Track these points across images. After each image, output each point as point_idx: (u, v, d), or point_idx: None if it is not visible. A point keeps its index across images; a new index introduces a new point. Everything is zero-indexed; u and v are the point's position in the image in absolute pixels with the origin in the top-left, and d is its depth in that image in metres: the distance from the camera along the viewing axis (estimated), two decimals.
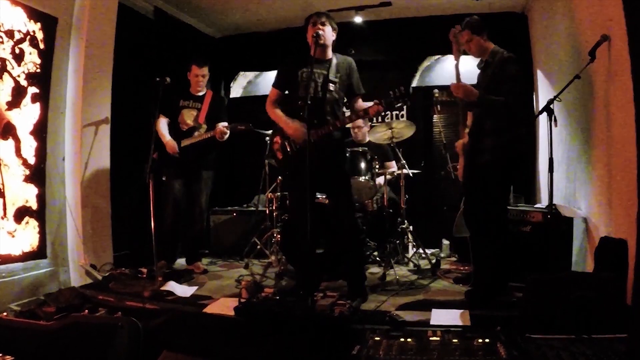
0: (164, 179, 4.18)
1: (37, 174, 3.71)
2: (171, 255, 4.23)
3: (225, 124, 4.06)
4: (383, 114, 5.75)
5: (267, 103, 3.35)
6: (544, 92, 4.45)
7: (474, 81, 3.28)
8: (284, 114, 3.27)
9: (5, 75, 3.44)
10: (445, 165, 4.57)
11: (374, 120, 5.69)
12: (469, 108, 3.24)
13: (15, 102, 3.52)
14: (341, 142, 3.44)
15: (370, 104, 3.14)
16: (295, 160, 3.24)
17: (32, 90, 3.66)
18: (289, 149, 3.28)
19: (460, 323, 2.69)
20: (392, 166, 4.67)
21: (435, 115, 5.57)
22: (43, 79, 3.75)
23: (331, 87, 3.22)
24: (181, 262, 4.46)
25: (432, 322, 2.72)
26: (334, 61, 3.27)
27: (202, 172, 4.20)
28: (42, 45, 3.72)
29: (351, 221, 3.39)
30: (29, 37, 3.60)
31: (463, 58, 3.28)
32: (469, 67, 3.40)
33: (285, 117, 3.25)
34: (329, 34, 3.21)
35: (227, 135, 4.00)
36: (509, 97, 2.94)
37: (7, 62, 3.45)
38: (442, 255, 4.82)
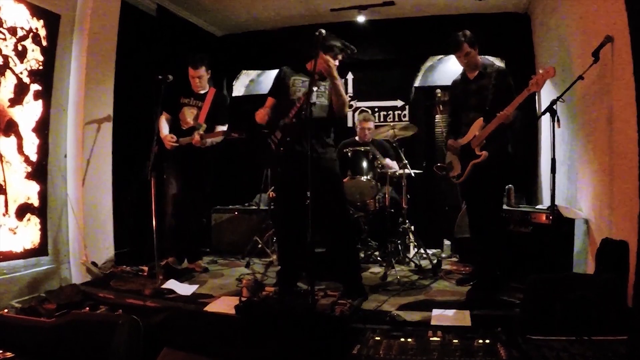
0: (165, 177, 4.18)
1: (39, 171, 3.72)
2: (179, 252, 4.21)
3: (202, 132, 3.96)
4: (384, 113, 5.77)
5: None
6: (546, 92, 4.43)
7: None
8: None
9: (8, 72, 3.44)
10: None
11: (377, 120, 5.71)
12: (480, 115, 3.28)
13: (17, 99, 3.53)
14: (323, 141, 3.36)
15: None
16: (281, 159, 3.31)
17: (35, 87, 3.66)
18: (274, 147, 3.32)
19: (460, 324, 2.69)
20: (391, 165, 4.66)
21: (437, 115, 5.57)
22: (45, 76, 3.76)
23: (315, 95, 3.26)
24: None
25: (432, 323, 2.72)
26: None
27: (201, 171, 4.15)
28: (44, 43, 3.72)
29: (344, 221, 3.40)
30: (31, 34, 3.60)
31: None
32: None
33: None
34: None
35: (209, 142, 4.01)
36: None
37: (10, 59, 3.45)
38: (443, 255, 4.81)
